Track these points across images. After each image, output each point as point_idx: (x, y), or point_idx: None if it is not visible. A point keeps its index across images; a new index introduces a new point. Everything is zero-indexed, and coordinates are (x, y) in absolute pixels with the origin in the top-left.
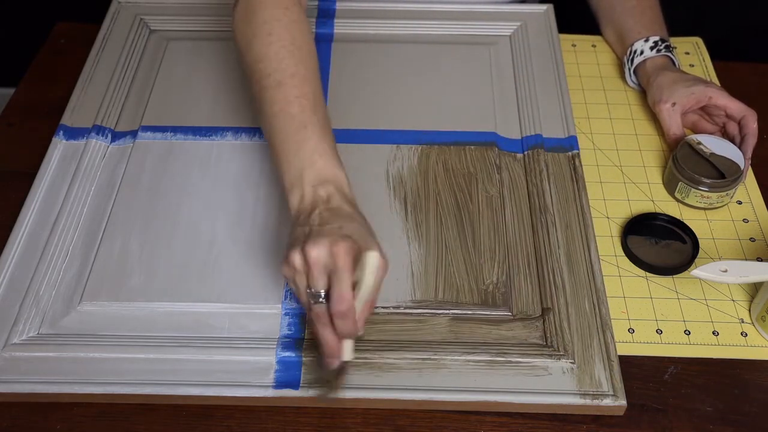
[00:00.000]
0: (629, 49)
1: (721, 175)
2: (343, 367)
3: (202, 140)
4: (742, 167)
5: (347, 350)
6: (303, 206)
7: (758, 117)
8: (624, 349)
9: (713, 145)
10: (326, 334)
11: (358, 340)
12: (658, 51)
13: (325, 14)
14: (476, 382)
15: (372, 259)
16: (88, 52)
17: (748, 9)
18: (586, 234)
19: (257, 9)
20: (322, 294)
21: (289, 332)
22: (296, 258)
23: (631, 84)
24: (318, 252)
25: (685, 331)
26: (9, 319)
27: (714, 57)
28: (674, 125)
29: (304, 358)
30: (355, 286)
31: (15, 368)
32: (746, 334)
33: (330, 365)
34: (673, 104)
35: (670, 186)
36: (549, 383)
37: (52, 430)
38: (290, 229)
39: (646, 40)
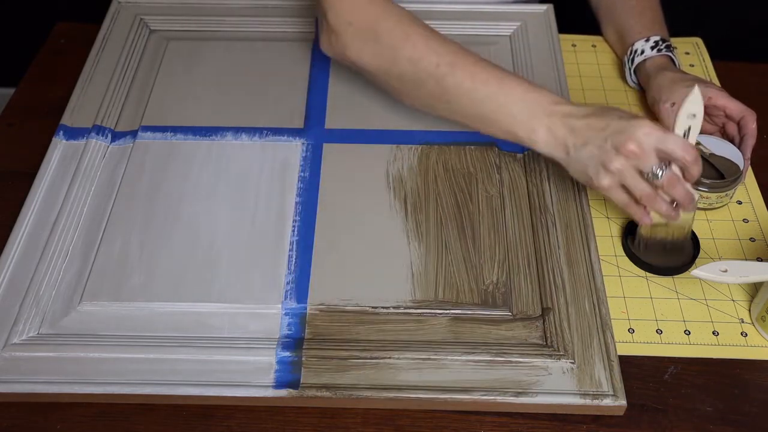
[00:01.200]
0: (630, 48)
1: (721, 175)
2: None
3: (202, 140)
4: (741, 167)
5: (695, 194)
6: (559, 134)
7: (758, 117)
8: (624, 349)
9: (713, 145)
10: (681, 194)
11: (358, 341)
12: (659, 51)
13: None
14: (476, 382)
15: (695, 89)
16: (88, 52)
17: (748, 9)
18: (586, 234)
19: (376, 27)
20: (659, 168)
21: (289, 332)
22: (617, 162)
23: (632, 84)
24: (635, 142)
25: (685, 331)
26: (9, 319)
27: (714, 57)
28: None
29: (304, 358)
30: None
31: (15, 368)
32: (746, 334)
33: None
34: (673, 104)
35: None
36: (549, 383)
37: (52, 430)
38: (567, 161)
39: (647, 40)
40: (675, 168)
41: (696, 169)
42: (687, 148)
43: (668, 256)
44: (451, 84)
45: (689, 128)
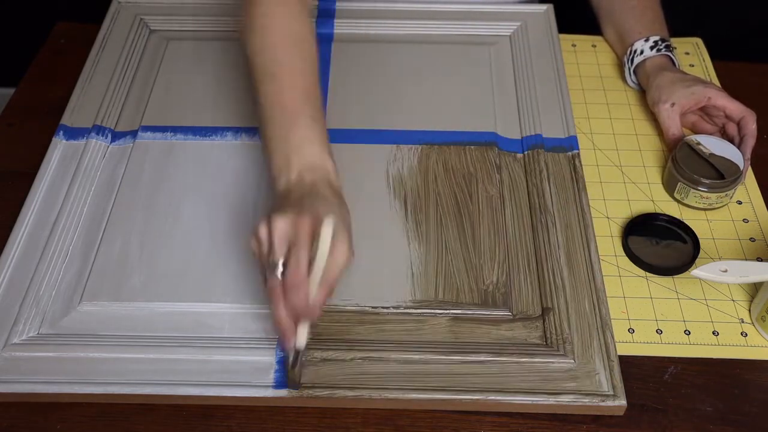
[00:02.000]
0: (629, 48)
1: (721, 175)
2: (298, 355)
3: (202, 140)
4: (741, 168)
5: (301, 335)
6: (287, 189)
7: (758, 117)
8: (624, 349)
9: (712, 145)
10: (280, 313)
11: (358, 341)
12: (658, 51)
13: (325, 14)
14: (476, 382)
15: (326, 227)
16: (88, 52)
17: (748, 9)
18: (586, 234)
19: (256, 3)
20: (279, 265)
21: None
22: (262, 229)
23: (631, 84)
24: (282, 222)
25: (685, 331)
26: (9, 319)
27: (714, 57)
28: (673, 126)
29: (304, 358)
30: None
31: (15, 368)
32: (746, 334)
33: (286, 350)
34: (672, 104)
35: (669, 186)
36: (549, 383)
37: (52, 430)
38: (274, 199)
39: (647, 40)
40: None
41: (296, 299)
42: (297, 267)
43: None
44: (260, 92)
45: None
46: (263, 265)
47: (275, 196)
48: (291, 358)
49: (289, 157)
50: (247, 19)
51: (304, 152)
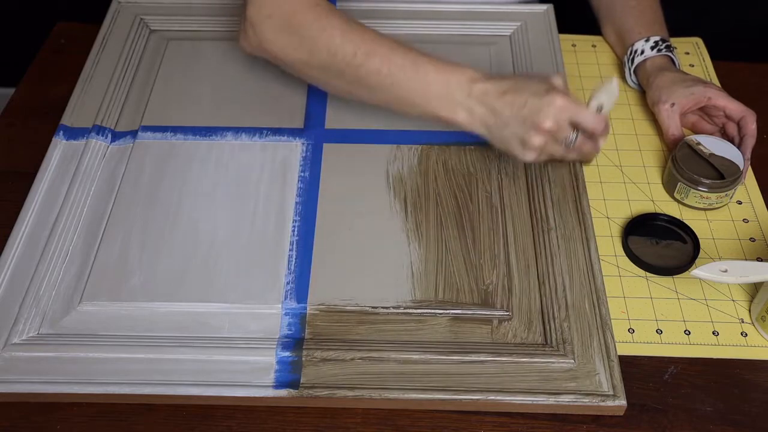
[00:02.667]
0: (630, 48)
1: (721, 175)
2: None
3: (202, 140)
4: (741, 168)
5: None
6: (478, 114)
7: (758, 117)
8: (624, 349)
9: (712, 145)
10: (590, 151)
11: (358, 341)
12: (659, 51)
13: None
14: (476, 382)
15: (613, 81)
16: (88, 52)
17: (748, 9)
18: (586, 234)
19: (296, 19)
20: (575, 137)
21: (289, 332)
22: (537, 139)
23: (632, 84)
24: (551, 117)
25: (685, 331)
26: (9, 319)
27: (714, 57)
28: (673, 126)
29: (304, 358)
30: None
31: (15, 368)
32: (746, 334)
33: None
34: (672, 105)
35: (669, 186)
36: (549, 383)
37: (52, 430)
38: (491, 137)
39: (647, 40)
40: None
41: (606, 134)
42: (598, 120)
43: None
44: (369, 72)
45: (601, 106)
46: (557, 151)
47: (470, 127)
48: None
49: (449, 95)
50: (294, 35)
51: (452, 82)
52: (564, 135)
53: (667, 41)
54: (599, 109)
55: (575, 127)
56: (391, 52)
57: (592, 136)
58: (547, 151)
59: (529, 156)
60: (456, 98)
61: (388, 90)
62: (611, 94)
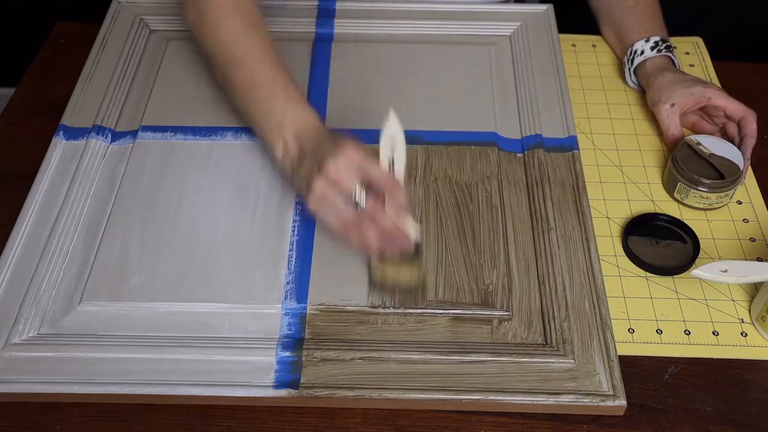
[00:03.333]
0: (629, 49)
1: (721, 175)
2: (418, 248)
3: (202, 140)
4: (741, 168)
5: (411, 227)
6: (291, 153)
7: (758, 117)
8: (624, 349)
9: (712, 145)
10: (387, 225)
11: (358, 341)
12: (659, 51)
13: (325, 14)
14: (476, 382)
15: (392, 114)
16: (88, 52)
17: (748, 9)
18: (586, 234)
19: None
20: (360, 195)
21: (289, 332)
22: (319, 184)
23: (632, 84)
24: (336, 164)
25: (685, 331)
26: (9, 319)
27: (714, 57)
28: (672, 126)
29: (304, 358)
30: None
31: (15, 368)
32: (746, 334)
33: (407, 250)
34: (672, 105)
35: (669, 186)
36: (549, 383)
37: (52, 430)
38: (290, 179)
39: (647, 40)
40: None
41: (398, 196)
42: (385, 177)
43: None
44: (232, 76)
45: (392, 156)
46: (338, 210)
47: (278, 162)
48: (411, 258)
49: (280, 125)
50: (199, 16)
51: (288, 117)
52: (348, 188)
53: (667, 41)
54: (390, 165)
55: (366, 185)
56: (260, 67)
57: (384, 197)
58: (333, 205)
59: (312, 202)
60: (280, 133)
61: (240, 100)
62: (393, 128)
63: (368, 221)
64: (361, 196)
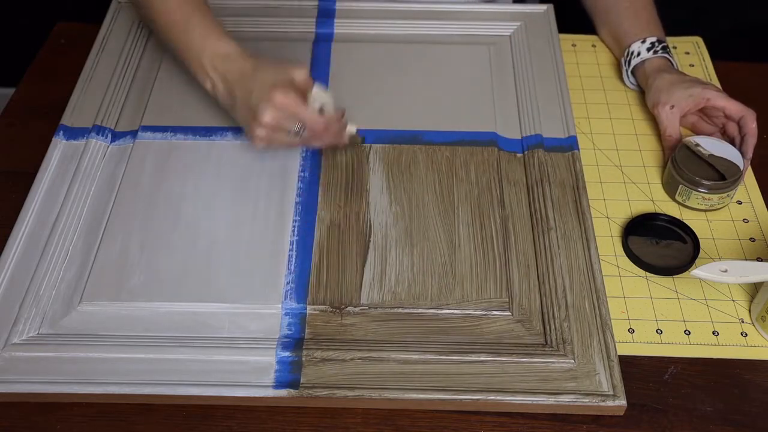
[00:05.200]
0: (626, 50)
1: (721, 176)
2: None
3: (202, 140)
4: (741, 168)
5: (349, 128)
6: (219, 90)
7: (758, 117)
8: (624, 349)
9: (711, 146)
10: (325, 137)
11: (358, 341)
12: (655, 52)
13: (325, 14)
14: (476, 382)
15: (317, 88)
16: (88, 52)
17: (748, 9)
18: (586, 234)
19: None
20: (300, 129)
21: (289, 332)
22: (258, 130)
23: (629, 85)
24: (267, 115)
25: (685, 331)
26: (9, 319)
27: (714, 57)
28: (671, 127)
29: (304, 358)
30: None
31: (15, 368)
32: (746, 334)
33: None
34: (672, 107)
35: (669, 188)
36: (549, 383)
37: (52, 430)
38: (228, 112)
39: (643, 42)
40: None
41: (329, 134)
42: (316, 120)
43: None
44: (156, 11)
45: (322, 107)
46: (284, 139)
47: (210, 95)
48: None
49: (200, 59)
50: None
51: (208, 50)
52: (287, 127)
53: (664, 42)
54: (321, 110)
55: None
56: (179, 6)
57: (316, 134)
58: (276, 140)
59: (257, 143)
60: (205, 68)
61: (164, 36)
62: (324, 99)
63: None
64: (297, 128)
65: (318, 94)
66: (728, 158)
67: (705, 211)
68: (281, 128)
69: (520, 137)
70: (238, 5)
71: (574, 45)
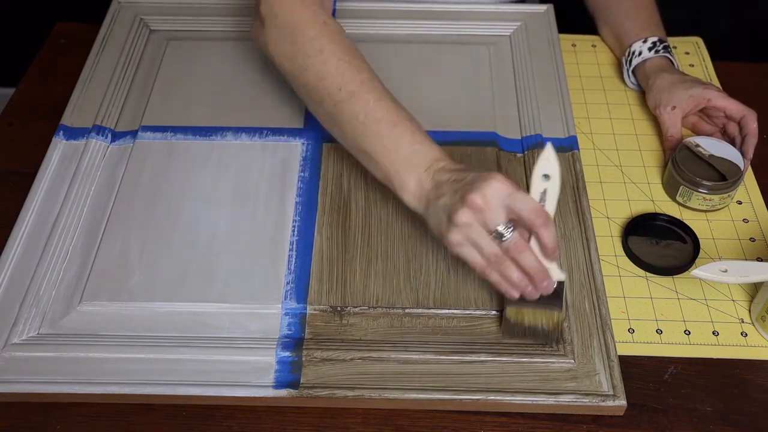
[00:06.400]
0: (627, 50)
1: (721, 176)
2: (563, 289)
3: (202, 140)
4: (741, 168)
5: (555, 270)
6: (425, 188)
7: (758, 117)
8: (624, 349)
9: (711, 146)
10: (529, 263)
11: (358, 341)
12: (656, 52)
13: None
14: (476, 382)
15: (548, 146)
16: (88, 52)
17: (748, 9)
18: (586, 234)
19: (297, 29)
20: (506, 229)
21: (289, 332)
22: (463, 215)
23: (630, 85)
24: (481, 195)
25: (685, 331)
26: (9, 319)
27: (714, 57)
28: (673, 128)
29: (304, 358)
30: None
31: (15, 368)
32: (746, 334)
33: (546, 290)
34: (673, 108)
35: (670, 189)
36: (549, 383)
37: (52, 430)
38: (427, 215)
39: (644, 41)
40: (533, 242)
41: (547, 235)
42: (536, 210)
43: (534, 341)
44: (346, 112)
45: (545, 191)
46: (484, 244)
47: (412, 198)
48: (554, 299)
49: (411, 163)
50: (294, 46)
51: (419, 154)
52: (494, 222)
53: (665, 42)
54: (542, 197)
55: (512, 219)
56: (376, 102)
57: (529, 230)
58: (472, 235)
59: (453, 235)
60: (413, 170)
61: (356, 137)
62: (549, 161)
63: (511, 259)
64: (506, 228)
65: (539, 168)
66: (728, 158)
67: (706, 211)
68: (489, 217)
69: (520, 137)
70: (238, 5)
71: (574, 45)
